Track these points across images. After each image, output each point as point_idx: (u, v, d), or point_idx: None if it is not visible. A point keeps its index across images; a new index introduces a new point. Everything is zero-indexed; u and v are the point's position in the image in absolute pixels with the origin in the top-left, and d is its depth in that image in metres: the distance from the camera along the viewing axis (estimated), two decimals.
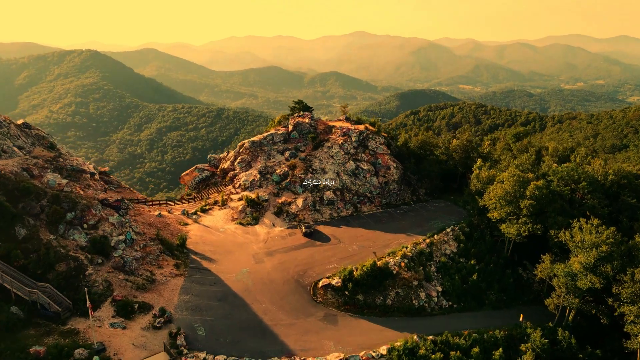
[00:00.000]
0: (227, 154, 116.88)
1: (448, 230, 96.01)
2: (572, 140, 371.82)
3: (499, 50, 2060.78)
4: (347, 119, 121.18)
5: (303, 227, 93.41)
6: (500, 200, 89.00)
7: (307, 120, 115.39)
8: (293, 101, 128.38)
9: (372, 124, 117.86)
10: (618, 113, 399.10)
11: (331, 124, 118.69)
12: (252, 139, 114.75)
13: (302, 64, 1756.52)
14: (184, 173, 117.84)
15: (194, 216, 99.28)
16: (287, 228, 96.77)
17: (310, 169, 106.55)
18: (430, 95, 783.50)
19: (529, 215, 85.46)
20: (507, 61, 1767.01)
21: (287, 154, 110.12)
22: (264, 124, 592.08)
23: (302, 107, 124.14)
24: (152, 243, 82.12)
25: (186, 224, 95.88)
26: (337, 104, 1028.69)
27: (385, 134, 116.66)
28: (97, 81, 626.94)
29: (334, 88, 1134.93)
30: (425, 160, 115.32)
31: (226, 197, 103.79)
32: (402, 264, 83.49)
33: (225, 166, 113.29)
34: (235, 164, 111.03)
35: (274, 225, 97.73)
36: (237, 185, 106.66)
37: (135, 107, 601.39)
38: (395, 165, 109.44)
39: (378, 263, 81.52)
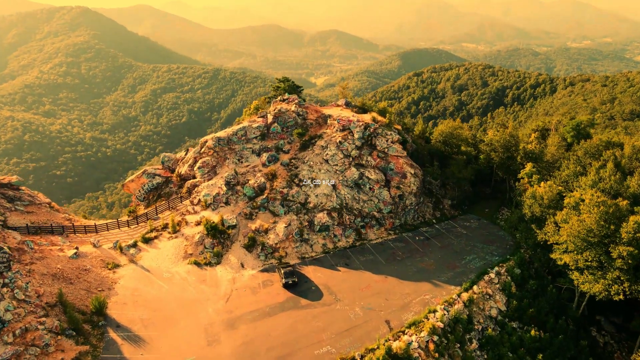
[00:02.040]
0: (186, 154, 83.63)
1: (492, 274, 64.30)
2: (587, 106, 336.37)
3: (505, 7, 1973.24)
4: (348, 105, 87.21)
5: (282, 274, 62.00)
6: (577, 241, 57.14)
7: (292, 108, 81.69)
8: (276, 79, 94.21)
9: (382, 112, 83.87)
10: (635, 75, 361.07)
11: (326, 110, 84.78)
12: (218, 134, 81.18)
13: (302, 22, 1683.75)
14: (128, 179, 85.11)
15: (132, 250, 67.72)
16: (261, 271, 65.28)
17: (295, 180, 74.17)
18: (433, 54, 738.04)
19: (625, 269, 53.74)
20: (513, 18, 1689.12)
21: (264, 156, 77.23)
22: (262, 85, 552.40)
23: (287, 87, 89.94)
24: (44, 318, 50.90)
25: (116, 267, 64.43)
26: (337, 64, 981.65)
27: (399, 127, 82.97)
28: (88, 40, 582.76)
29: (334, 47, 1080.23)
30: (452, 162, 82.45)
31: (180, 220, 72.04)
32: (431, 346, 52.53)
33: (183, 171, 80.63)
34: (195, 168, 78.36)
35: (242, 265, 66.21)
36: (195, 201, 74.49)
37: (128, 68, 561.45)
38: (413, 172, 76.54)
39: (394, 347, 50.70)
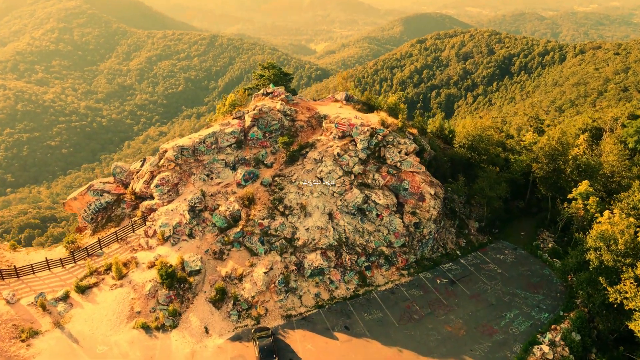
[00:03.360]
0: (142, 165, 63.84)
1: (544, 346, 46.05)
2: (599, 76, 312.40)
3: None
4: (349, 100, 66.22)
5: (258, 349, 43.86)
6: None
7: (278, 106, 61.47)
8: (260, 65, 73.10)
9: (393, 111, 63.25)
10: None
11: (321, 108, 63.76)
12: (181, 141, 60.87)
13: None
14: (71, 196, 65.58)
15: (60, 306, 49.42)
16: (232, 339, 47.04)
17: (280, 207, 54.97)
18: (437, 19, 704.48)
19: None
20: None
21: (240, 173, 57.69)
22: (260, 52, 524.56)
23: (273, 75, 69.39)
24: None
25: (34, 335, 46.33)
26: (337, 29, 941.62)
27: (414, 130, 62.79)
28: (80, 4, 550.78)
29: (335, 12, 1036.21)
30: (481, 174, 62.86)
31: (129, 260, 53.52)
32: None
33: (138, 188, 61.22)
34: (152, 186, 59.19)
35: (207, 330, 47.96)
36: (151, 232, 55.65)
37: (122, 34, 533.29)
38: (433, 193, 57.14)
39: None
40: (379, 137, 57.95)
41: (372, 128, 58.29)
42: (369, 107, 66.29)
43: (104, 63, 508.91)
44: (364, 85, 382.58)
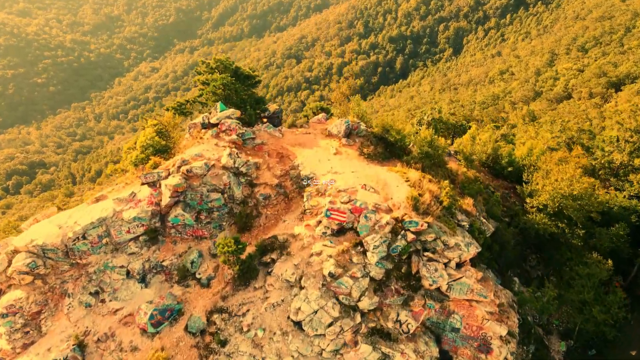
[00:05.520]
0: None
1: None
2: (626, 9, 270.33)
3: None
4: (351, 134, 34.73)
5: None
6: None
7: (224, 159, 31.39)
8: (202, 62, 41.37)
9: (429, 158, 32.96)
10: None
11: (303, 154, 33.32)
12: (43, 231, 30.75)
13: None
14: None
15: None
16: None
17: None
18: None
19: None
20: None
21: (144, 312, 29.28)
22: None
23: (225, 84, 38.45)
24: None
25: None
26: None
27: (469, 204, 32.63)
28: None
29: None
30: (582, 270, 34.47)
31: None
32: None
33: None
34: None
35: None
36: None
37: None
38: (504, 335, 29.34)
39: None
40: (409, 237, 29.02)
41: (394, 219, 29.11)
42: (385, 146, 36.38)
43: None
44: (367, 17, 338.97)
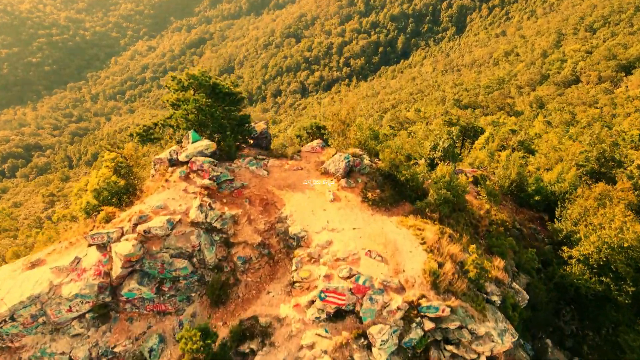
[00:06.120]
0: None
1: None
2: None
3: None
4: (350, 172, 27.21)
5: None
6: None
7: (192, 214, 24.38)
8: (172, 77, 33.95)
9: (452, 216, 26.37)
10: None
11: (292, 199, 26.45)
12: None
13: None
14: None
15: None
16: None
17: None
18: None
19: None
20: None
21: None
22: None
23: (199, 108, 30.61)
24: None
25: None
26: None
27: (498, 265, 26.68)
28: None
29: None
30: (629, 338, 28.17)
31: None
32: None
33: None
34: None
35: None
36: None
37: None
38: None
39: None
40: (427, 326, 22.25)
41: (408, 303, 22.29)
42: (394, 184, 29.28)
43: None
44: None
